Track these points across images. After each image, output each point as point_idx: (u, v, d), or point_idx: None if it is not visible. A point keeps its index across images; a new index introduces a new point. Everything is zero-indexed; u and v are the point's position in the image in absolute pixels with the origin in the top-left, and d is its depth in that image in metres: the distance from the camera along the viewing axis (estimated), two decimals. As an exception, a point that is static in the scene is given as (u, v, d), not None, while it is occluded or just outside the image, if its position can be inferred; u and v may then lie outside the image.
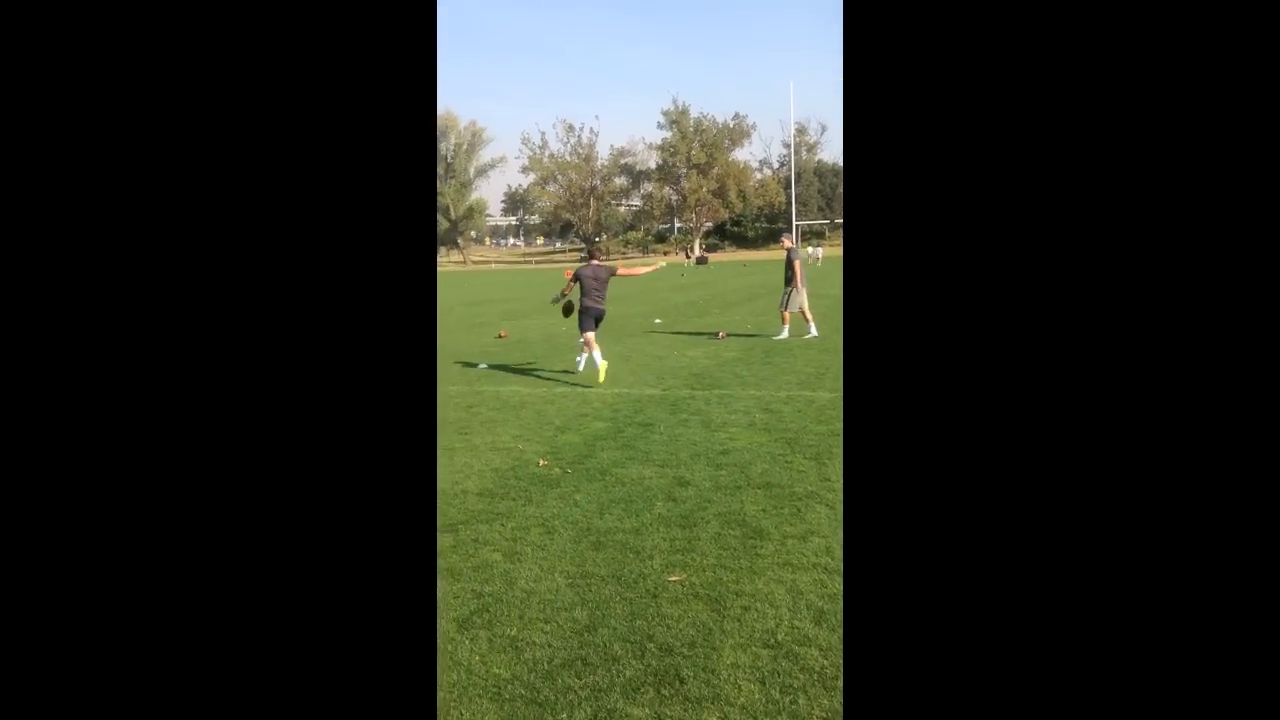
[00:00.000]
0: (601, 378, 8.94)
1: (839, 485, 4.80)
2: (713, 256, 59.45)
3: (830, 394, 7.84)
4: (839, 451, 5.41)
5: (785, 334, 12.17)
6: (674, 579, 3.69)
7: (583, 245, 76.51)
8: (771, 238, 71.68)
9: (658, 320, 16.07)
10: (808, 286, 12.48)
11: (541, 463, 5.68)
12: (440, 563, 3.94)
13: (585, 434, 6.56)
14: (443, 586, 3.67)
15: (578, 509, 4.69)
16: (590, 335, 9.25)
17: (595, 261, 9.61)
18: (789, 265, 12.28)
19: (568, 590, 3.63)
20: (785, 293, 12.29)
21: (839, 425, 6.37)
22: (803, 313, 12.18)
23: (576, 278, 9.41)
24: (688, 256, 56.33)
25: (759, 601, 3.44)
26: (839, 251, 57.57)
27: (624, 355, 11.05)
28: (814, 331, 12.10)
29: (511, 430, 6.80)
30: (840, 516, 4.24)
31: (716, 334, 12.89)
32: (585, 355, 9.53)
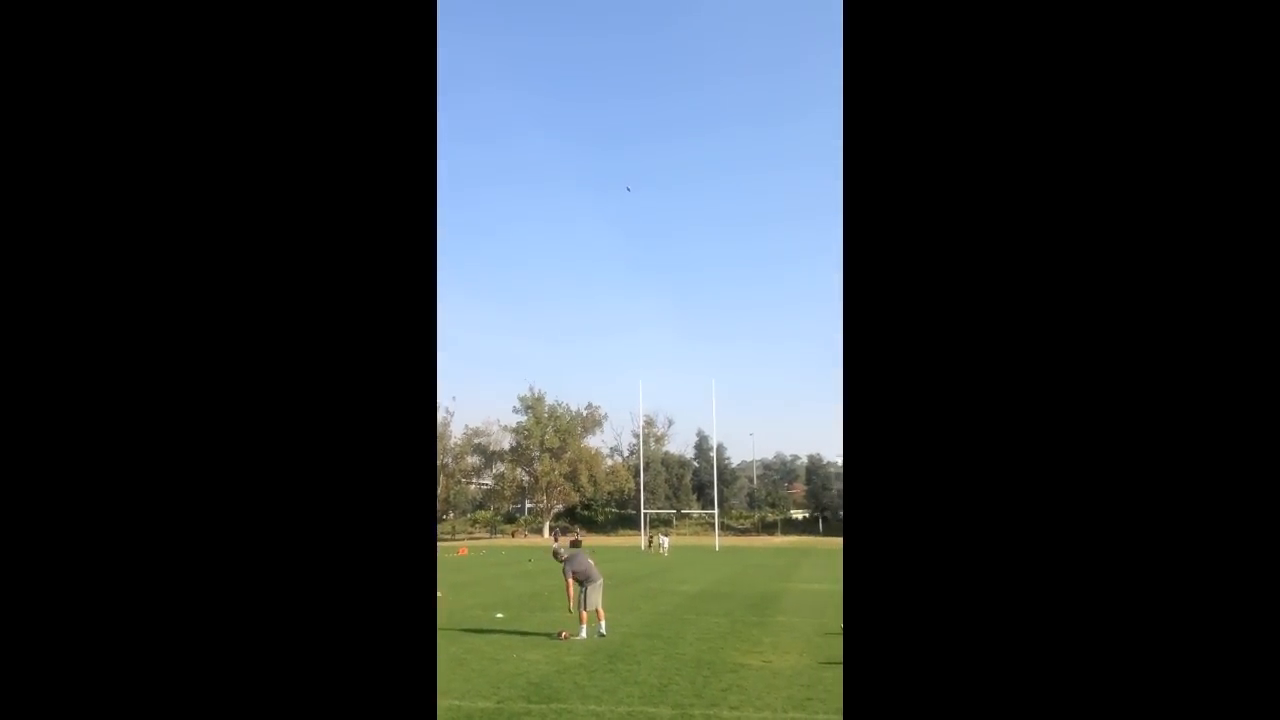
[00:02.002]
0: None
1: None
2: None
3: (672, 711, 7.56)
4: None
5: (584, 634, 12.09)
6: None
7: (428, 523, 73.97)
8: (622, 523, 71.92)
9: (499, 615, 15.39)
10: (602, 584, 12.48)
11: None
12: None
13: (407, 760, 5.96)
14: None
15: None
16: None
17: None
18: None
19: None
20: (581, 591, 12.25)
21: (680, 751, 6.00)
22: (596, 611, 12.23)
23: None
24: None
25: None
26: (686, 540, 58.06)
27: (459, 658, 10.40)
28: (585, 634, 12.09)
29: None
30: None
31: (559, 634, 12.42)
32: None
